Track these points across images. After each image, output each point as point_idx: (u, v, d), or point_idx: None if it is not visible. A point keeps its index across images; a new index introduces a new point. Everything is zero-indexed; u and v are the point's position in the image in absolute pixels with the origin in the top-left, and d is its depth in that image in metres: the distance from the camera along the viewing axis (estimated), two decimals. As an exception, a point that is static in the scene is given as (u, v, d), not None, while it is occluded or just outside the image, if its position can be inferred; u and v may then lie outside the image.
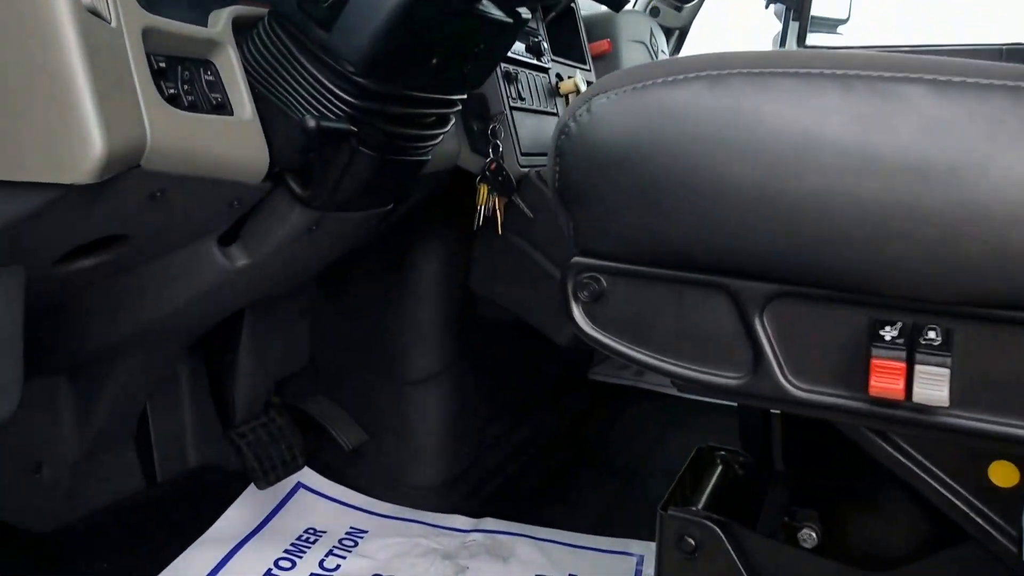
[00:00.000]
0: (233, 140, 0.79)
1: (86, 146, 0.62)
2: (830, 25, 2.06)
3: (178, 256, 0.89)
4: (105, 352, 1.04)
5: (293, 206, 0.88)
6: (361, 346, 1.31)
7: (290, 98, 0.82)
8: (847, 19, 2.06)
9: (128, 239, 0.80)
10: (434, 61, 0.84)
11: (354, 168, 0.86)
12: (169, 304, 0.93)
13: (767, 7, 1.98)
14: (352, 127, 0.82)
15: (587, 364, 1.91)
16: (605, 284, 0.65)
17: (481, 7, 0.84)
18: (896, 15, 2.30)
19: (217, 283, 0.91)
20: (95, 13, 0.64)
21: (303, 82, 0.81)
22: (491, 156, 1.16)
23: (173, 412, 1.28)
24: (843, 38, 2.06)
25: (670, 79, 0.58)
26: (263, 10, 0.85)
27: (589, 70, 1.53)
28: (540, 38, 1.38)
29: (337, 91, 0.81)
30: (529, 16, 0.94)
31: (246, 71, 0.82)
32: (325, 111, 0.81)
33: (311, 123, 0.78)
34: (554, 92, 1.38)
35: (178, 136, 0.72)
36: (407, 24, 0.77)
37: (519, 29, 0.92)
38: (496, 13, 0.86)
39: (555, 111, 1.37)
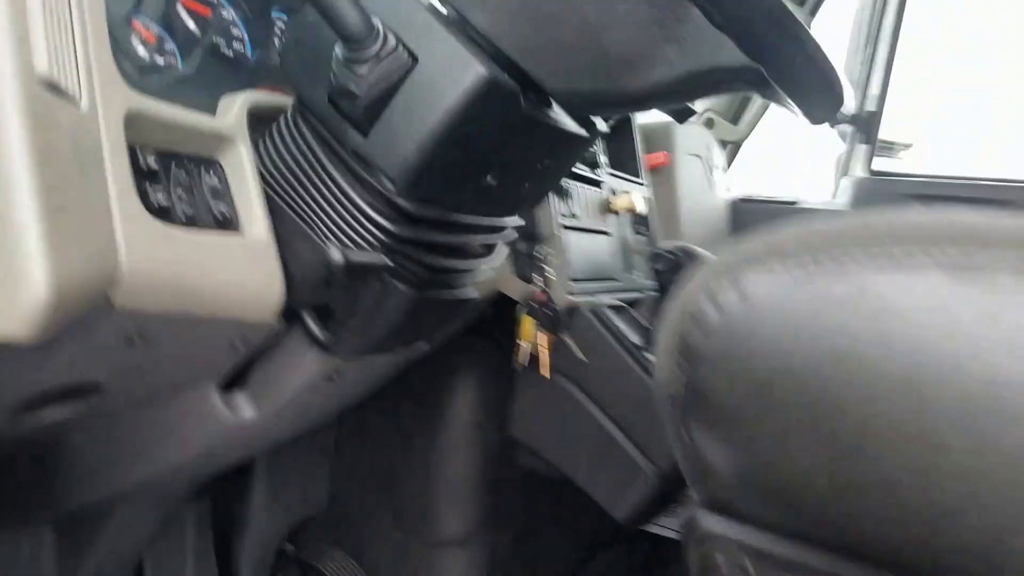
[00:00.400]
0: (240, 266, 0.60)
1: (25, 287, 0.43)
2: (894, 150, 1.93)
3: (171, 405, 0.70)
4: (95, 507, 0.86)
5: (310, 351, 0.70)
6: (385, 496, 1.10)
7: (314, 216, 0.64)
8: (911, 145, 1.94)
9: (101, 387, 0.60)
10: (489, 179, 0.67)
11: (386, 307, 0.67)
12: (163, 460, 0.75)
13: (833, 127, 1.85)
14: (386, 260, 0.63)
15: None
16: (752, 570, 0.43)
17: (551, 114, 0.67)
18: (961, 142, 2.17)
19: (219, 438, 0.73)
20: (55, 88, 0.46)
21: (331, 197, 0.63)
22: (538, 285, 0.98)
23: (173, 565, 1.07)
24: (905, 163, 1.93)
25: (878, 253, 0.39)
26: (286, 100, 0.68)
27: (643, 184, 1.37)
28: (596, 148, 1.22)
29: (371, 213, 0.63)
30: (606, 128, 0.77)
31: (261, 176, 0.64)
32: (355, 236, 0.63)
33: (336, 256, 0.60)
34: (606, 208, 1.21)
35: (166, 262, 0.54)
36: (463, 133, 0.60)
37: (592, 143, 0.75)
38: (568, 124, 0.69)
39: (606, 230, 1.20)
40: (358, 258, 0.61)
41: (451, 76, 0.58)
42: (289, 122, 0.65)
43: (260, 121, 0.67)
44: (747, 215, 1.95)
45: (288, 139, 0.64)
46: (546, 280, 0.98)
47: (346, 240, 0.63)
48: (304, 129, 0.64)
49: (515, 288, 0.99)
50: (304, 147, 0.64)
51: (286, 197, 0.64)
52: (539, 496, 1.19)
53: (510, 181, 0.71)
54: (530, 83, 0.62)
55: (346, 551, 1.11)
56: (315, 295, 0.66)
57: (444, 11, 0.63)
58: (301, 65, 0.63)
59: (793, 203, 1.95)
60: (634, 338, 1.04)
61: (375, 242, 0.63)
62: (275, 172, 0.64)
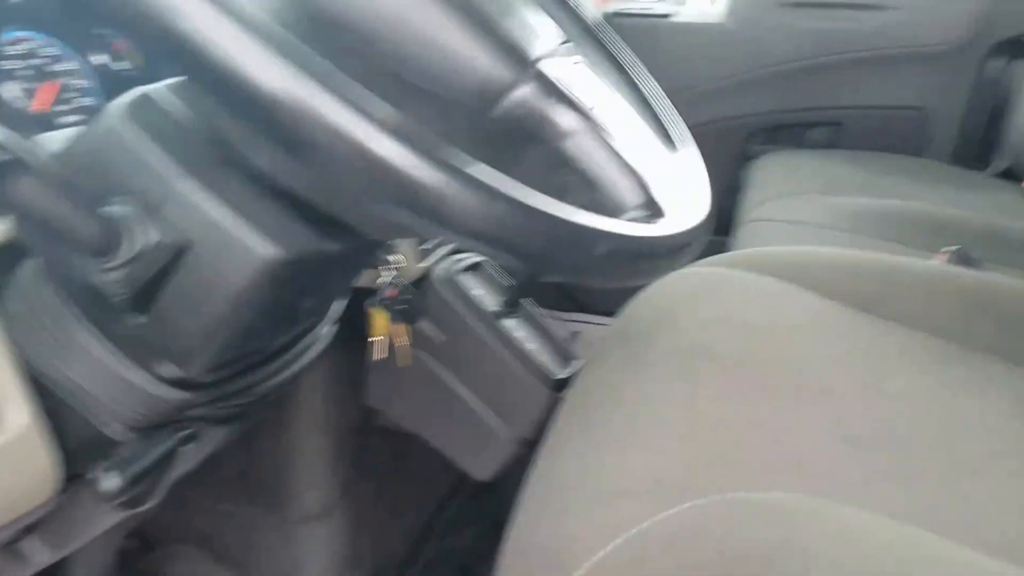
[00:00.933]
0: (-1, 475, 0.51)
1: None
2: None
3: None
4: None
5: (102, 505, 0.61)
6: (238, 478, 1.05)
7: (87, 397, 0.53)
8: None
9: None
10: (305, 305, 0.57)
11: (193, 451, 0.59)
12: None
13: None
14: (178, 437, 0.55)
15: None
16: None
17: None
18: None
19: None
20: None
21: (104, 378, 0.52)
22: (387, 276, 0.89)
23: None
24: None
25: None
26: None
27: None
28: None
29: (156, 393, 0.53)
30: None
31: (15, 340, 0.52)
32: (140, 413, 0.54)
33: (110, 485, 0.50)
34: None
35: None
36: (261, 310, 0.49)
37: None
38: None
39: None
40: (138, 468, 0.52)
41: (233, 260, 0.46)
42: (39, 282, 0.51)
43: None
44: (622, 32, 1.80)
45: (39, 305, 0.51)
46: (397, 270, 0.89)
47: (129, 416, 0.54)
48: (57, 298, 0.51)
49: (362, 278, 0.90)
50: (61, 320, 0.51)
51: (48, 372, 0.53)
52: (400, 453, 1.19)
53: (335, 293, 0.61)
54: None
55: (194, 537, 1.07)
56: (101, 458, 0.57)
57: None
58: (40, 236, 0.49)
59: (667, 16, 1.81)
60: (491, 303, 0.98)
61: (165, 416, 0.54)
62: (30, 340, 0.52)
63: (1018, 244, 1.32)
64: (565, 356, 1.03)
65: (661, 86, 2.12)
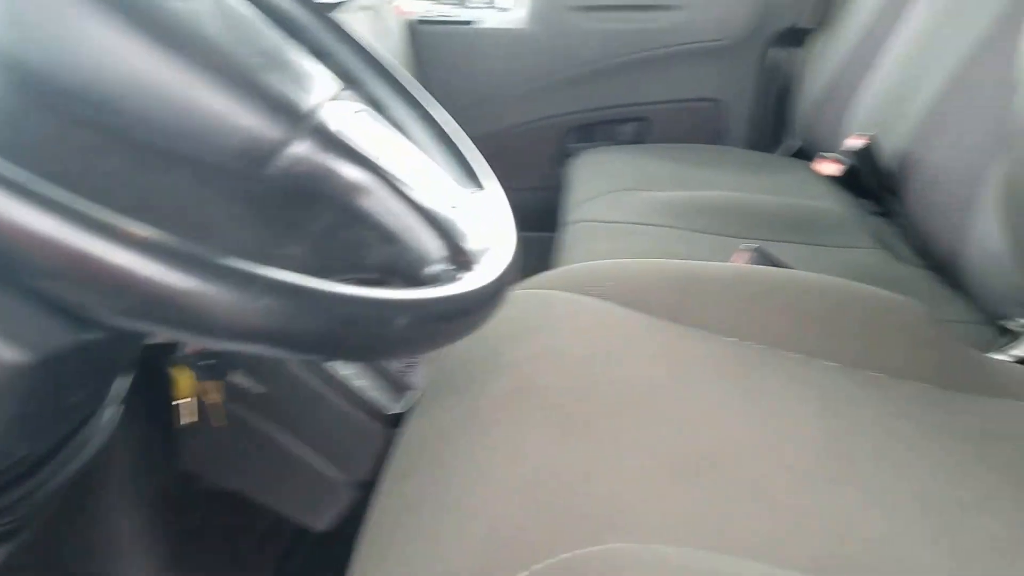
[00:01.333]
0: None
1: None
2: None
3: None
4: None
5: None
6: (49, 567, 0.93)
7: None
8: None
9: None
10: (72, 400, 0.50)
11: None
12: None
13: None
14: None
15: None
16: None
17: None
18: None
19: None
20: None
21: None
22: (190, 330, 0.81)
23: None
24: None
25: None
26: None
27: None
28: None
29: None
30: None
31: None
32: None
33: None
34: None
35: None
36: (17, 411, 0.42)
37: None
38: None
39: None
40: None
41: None
42: None
43: None
44: (428, 39, 1.78)
45: None
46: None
47: None
48: None
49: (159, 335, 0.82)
50: None
51: None
52: (230, 514, 1.10)
53: (113, 370, 0.54)
54: None
55: None
56: None
57: None
58: None
59: (469, 23, 1.80)
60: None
61: None
62: None
63: (812, 220, 1.42)
64: (399, 387, 0.99)
65: (472, 93, 2.11)
